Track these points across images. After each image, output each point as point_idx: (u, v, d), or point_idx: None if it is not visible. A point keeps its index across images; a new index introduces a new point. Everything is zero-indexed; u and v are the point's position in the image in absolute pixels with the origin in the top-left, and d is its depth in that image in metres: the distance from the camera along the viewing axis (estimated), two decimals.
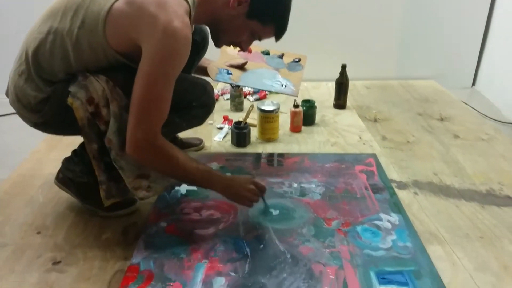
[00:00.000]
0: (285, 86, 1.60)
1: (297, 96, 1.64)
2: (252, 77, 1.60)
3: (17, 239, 1.22)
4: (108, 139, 1.12)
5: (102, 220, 1.29)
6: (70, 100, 1.11)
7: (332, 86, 2.23)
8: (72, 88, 1.11)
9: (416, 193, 1.42)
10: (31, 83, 1.14)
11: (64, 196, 1.37)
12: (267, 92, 2.28)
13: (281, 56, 1.81)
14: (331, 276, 1.05)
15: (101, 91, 1.11)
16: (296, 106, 1.84)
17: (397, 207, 1.32)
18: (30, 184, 1.48)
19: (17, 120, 1.24)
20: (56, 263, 1.13)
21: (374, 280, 1.04)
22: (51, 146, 1.70)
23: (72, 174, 1.31)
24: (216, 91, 2.26)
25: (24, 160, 1.64)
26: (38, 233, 1.25)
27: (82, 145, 1.30)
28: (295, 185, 1.44)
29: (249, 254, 1.13)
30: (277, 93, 1.76)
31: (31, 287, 1.06)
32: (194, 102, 1.30)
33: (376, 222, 1.25)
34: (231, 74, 1.56)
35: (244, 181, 1.23)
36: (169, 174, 1.17)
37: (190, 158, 1.16)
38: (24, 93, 1.15)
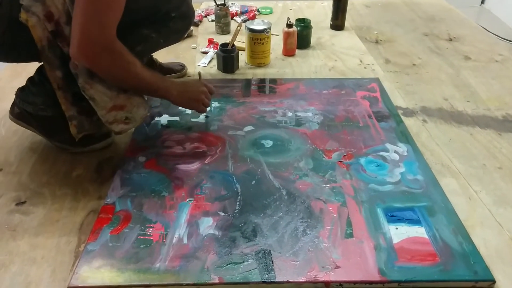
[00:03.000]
0: None
1: None
2: None
3: None
4: (73, 64, 0.96)
5: (73, 155, 1.15)
6: (23, 15, 0.92)
7: (328, 5, 2.03)
8: (24, 1, 0.92)
9: (425, 121, 1.28)
10: None
11: None
12: (256, 12, 2.05)
13: None
14: (333, 214, 0.94)
15: (60, 5, 0.93)
16: (289, 25, 1.63)
17: (404, 136, 1.19)
18: None
19: None
20: (20, 203, 1.00)
21: (382, 218, 0.93)
22: (15, 73, 1.51)
23: (32, 107, 1.12)
24: (199, 12, 2.03)
25: None
26: (0, 170, 1.10)
27: (39, 71, 1.11)
28: (290, 113, 1.29)
29: (239, 191, 1.00)
30: None
31: None
32: (173, 13, 1.11)
33: (382, 153, 1.12)
34: None
35: (196, 84, 1.20)
36: (124, 82, 1.03)
37: (144, 64, 1.05)
38: None
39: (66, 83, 1.01)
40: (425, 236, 0.88)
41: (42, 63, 1.11)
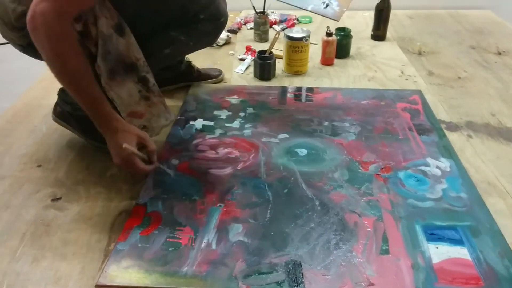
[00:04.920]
0: (327, 5, 1.32)
1: (338, 21, 1.36)
2: None
3: (15, 172, 1.11)
4: (97, 65, 0.97)
5: (108, 155, 1.14)
6: None
7: (369, 15, 1.99)
8: None
9: (470, 136, 1.22)
10: None
11: None
12: (295, 21, 2.04)
13: None
14: (368, 229, 0.90)
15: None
16: (329, 34, 1.61)
17: (447, 151, 1.13)
18: (34, 114, 1.36)
19: None
20: (55, 199, 1.02)
21: (421, 236, 0.87)
22: None
23: (71, 107, 1.15)
24: (238, 19, 2.04)
25: (29, 88, 1.52)
26: (39, 166, 1.13)
27: None
28: (326, 123, 1.26)
29: (271, 199, 0.98)
30: (314, 13, 1.42)
31: (25, 225, 0.95)
32: (201, 14, 1.10)
33: (423, 167, 1.07)
34: None
35: (121, 140, 0.94)
36: (56, 72, 0.92)
37: (91, 76, 0.93)
38: (3, 6, 0.98)
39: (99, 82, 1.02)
40: (468, 257, 0.83)
41: None
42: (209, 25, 1.16)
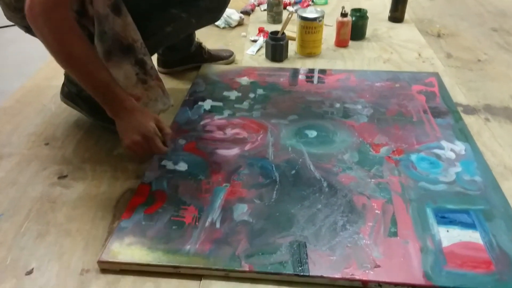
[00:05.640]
0: None
1: None
2: None
3: (23, 150, 1.11)
4: (95, 45, 0.95)
5: (115, 135, 1.13)
6: None
7: None
8: None
9: (487, 119, 1.17)
10: None
11: None
12: (310, 2, 1.99)
13: None
14: (376, 211, 0.87)
15: None
16: (344, 14, 1.56)
17: (463, 134, 1.08)
18: (44, 94, 1.36)
19: None
20: (62, 177, 1.02)
21: (431, 219, 0.84)
22: None
23: (76, 88, 1.14)
24: (252, 1, 2.00)
25: (39, 69, 1.52)
26: (47, 144, 1.13)
27: None
28: (338, 105, 1.22)
29: (277, 179, 0.96)
30: None
31: (31, 201, 0.95)
32: None
33: (436, 150, 1.03)
34: None
35: (144, 122, 0.93)
36: (61, 61, 0.89)
37: (99, 60, 0.91)
38: None
39: None
40: (480, 241, 0.79)
41: None
42: (211, 2, 1.12)
